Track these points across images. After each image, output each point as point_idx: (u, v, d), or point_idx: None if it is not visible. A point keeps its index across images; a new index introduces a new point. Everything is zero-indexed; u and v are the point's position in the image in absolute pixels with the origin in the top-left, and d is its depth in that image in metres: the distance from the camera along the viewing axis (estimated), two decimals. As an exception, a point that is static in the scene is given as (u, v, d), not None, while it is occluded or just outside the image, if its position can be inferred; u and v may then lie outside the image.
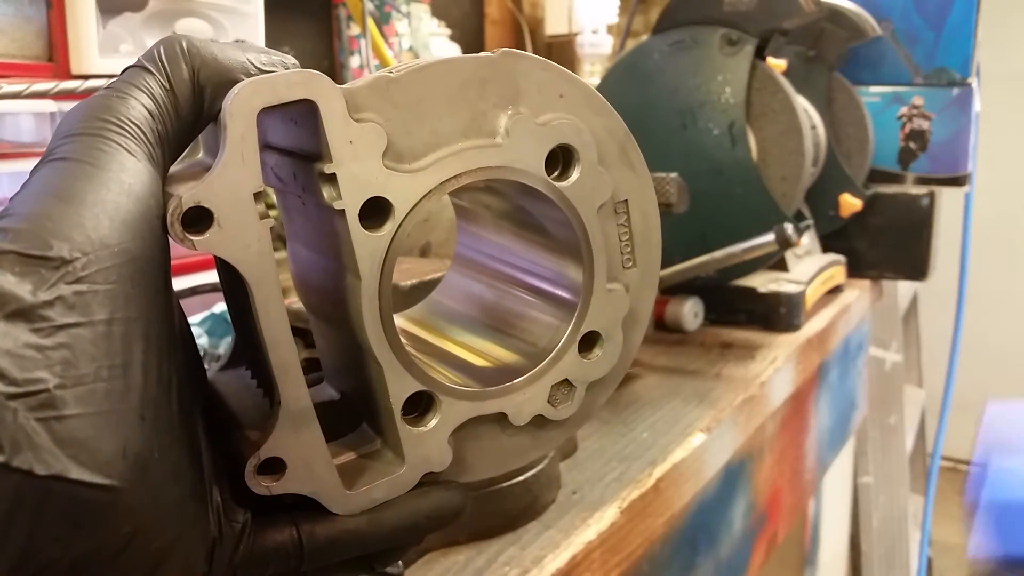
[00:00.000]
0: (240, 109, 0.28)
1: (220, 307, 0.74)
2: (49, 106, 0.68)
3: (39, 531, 0.24)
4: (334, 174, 0.30)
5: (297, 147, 0.33)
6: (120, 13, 0.74)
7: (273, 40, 1.07)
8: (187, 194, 0.28)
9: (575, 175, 0.35)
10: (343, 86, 0.31)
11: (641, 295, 0.39)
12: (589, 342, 0.38)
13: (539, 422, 0.37)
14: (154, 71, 0.31)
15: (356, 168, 0.31)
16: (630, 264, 0.38)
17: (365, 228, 0.31)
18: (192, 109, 0.31)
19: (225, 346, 0.70)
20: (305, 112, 0.30)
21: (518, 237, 0.40)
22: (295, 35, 1.34)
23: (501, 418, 0.36)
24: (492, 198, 0.40)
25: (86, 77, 0.68)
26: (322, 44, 1.38)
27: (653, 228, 0.38)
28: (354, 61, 1.34)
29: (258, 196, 0.29)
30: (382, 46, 1.13)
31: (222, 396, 0.37)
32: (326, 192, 0.31)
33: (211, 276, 0.77)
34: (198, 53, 0.31)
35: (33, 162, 0.68)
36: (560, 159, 0.35)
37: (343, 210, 0.31)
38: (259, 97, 0.29)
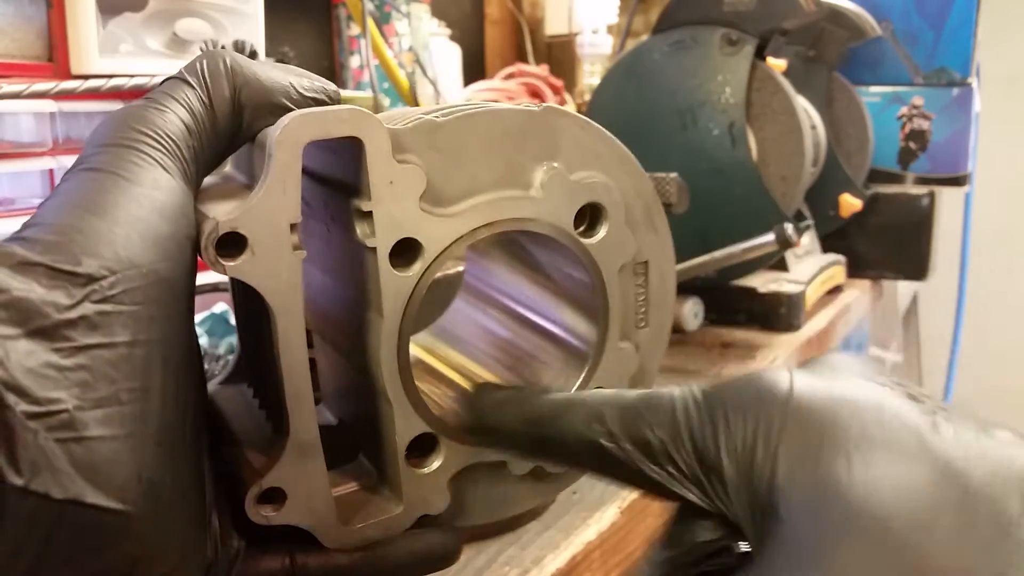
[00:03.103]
0: (288, 141, 0.28)
1: (220, 307, 0.74)
2: (49, 106, 0.68)
3: (49, 552, 0.24)
4: (371, 212, 0.30)
5: (332, 176, 0.33)
6: (120, 13, 0.74)
7: (273, 40, 1.07)
8: (224, 219, 0.28)
9: (602, 233, 0.35)
10: (388, 125, 0.31)
11: (650, 354, 0.39)
12: None
13: (538, 473, 0.37)
14: (195, 85, 0.30)
15: (393, 208, 0.31)
16: (643, 324, 0.38)
17: (394, 267, 0.31)
18: (230, 128, 0.31)
19: (225, 346, 0.70)
20: (346, 144, 0.30)
21: (529, 279, 0.40)
22: (295, 35, 1.33)
23: (501, 466, 0.36)
24: (501, 240, 0.40)
25: (86, 77, 0.68)
26: (322, 44, 1.38)
27: (669, 290, 0.39)
28: (354, 61, 1.34)
29: (294, 227, 0.29)
30: (382, 46, 1.13)
31: (223, 413, 0.37)
32: (360, 228, 0.31)
33: (211, 276, 0.77)
34: (241, 72, 0.31)
35: (33, 162, 0.67)
36: (588, 216, 0.35)
37: (374, 247, 0.31)
38: (307, 131, 0.29)
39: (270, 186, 0.28)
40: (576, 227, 0.35)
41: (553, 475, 0.38)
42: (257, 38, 0.88)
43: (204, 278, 0.78)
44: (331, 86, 0.33)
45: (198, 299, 0.74)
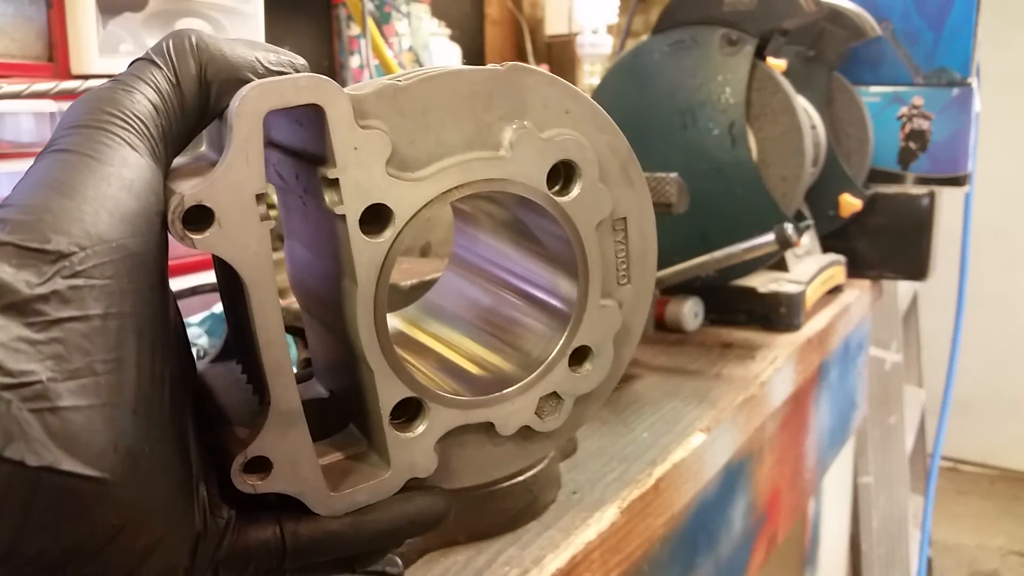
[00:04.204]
0: (247, 111, 0.28)
1: (220, 307, 0.74)
2: (49, 106, 0.68)
3: (28, 521, 0.24)
4: (337, 179, 0.30)
5: (301, 148, 0.33)
6: (120, 13, 0.74)
7: (273, 40, 1.07)
8: (189, 192, 0.28)
9: (576, 191, 0.35)
10: (350, 92, 0.31)
11: (634, 312, 0.39)
12: (580, 356, 0.38)
13: (525, 433, 0.37)
14: (162, 65, 0.31)
15: (359, 174, 0.31)
16: (625, 281, 0.38)
17: (365, 234, 0.31)
18: (198, 105, 0.31)
19: (225, 346, 0.70)
20: (311, 115, 0.30)
21: (515, 245, 0.40)
22: (295, 35, 1.34)
23: (488, 427, 0.36)
24: (492, 206, 0.40)
25: (86, 77, 0.68)
26: (322, 44, 1.38)
27: (650, 247, 0.39)
28: (354, 61, 1.34)
29: (260, 197, 0.29)
30: (382, 46, 1.13)
31: (212, 390, 0.37)
32: (328, 196, 0.31)
33: (211, 276, 0.77)
34: (207, 49, 0.31)
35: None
36: (562, 174, 0.35)
37: (343, 215, 0.31)
38: (266, 100, 0.29)
39: (232, 157, 0.28)
40: (550, 186, 0.35)
41: (541, 435, 0.38)
42: (257, 38, 0.88)
43: (205, 278, 0.78)
44: (299, 59, 0.33)
45: (198, 299, 0.75)
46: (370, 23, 1.09)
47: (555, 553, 0.51)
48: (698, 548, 0.73)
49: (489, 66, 0.34)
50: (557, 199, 0.35)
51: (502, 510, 0.54)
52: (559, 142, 0.34)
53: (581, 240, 0.36)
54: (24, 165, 0.66)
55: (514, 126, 0.34)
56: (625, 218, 0.37)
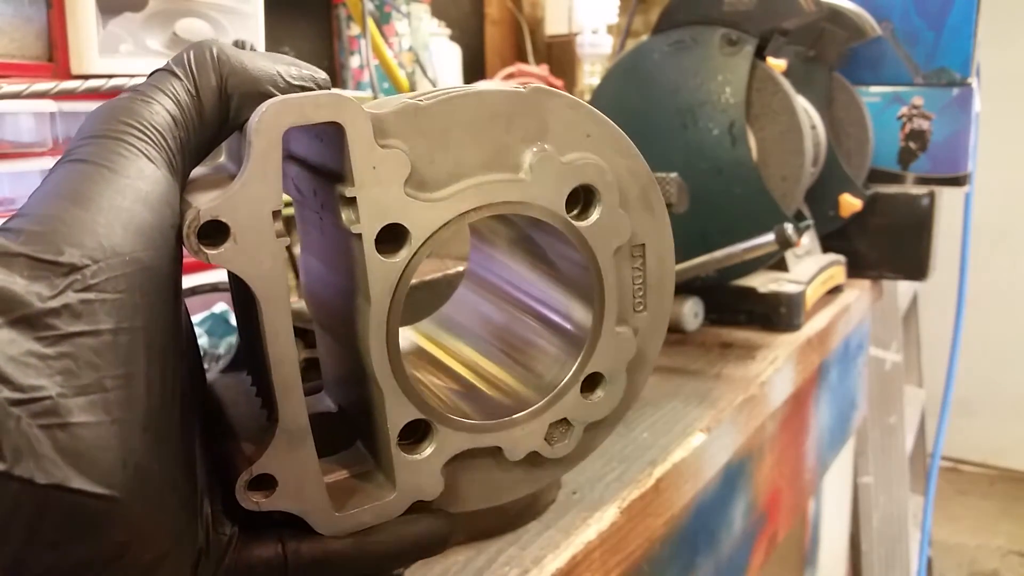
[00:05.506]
0: (266, 127, 0.28)
1: (220, 307, 0.74)
2: (49, 106, 0.68)
3: (36, 538, 0.24)
4: (354, 198, 0.30)
5: (320, 163, 0.33)
6: (120, 13, 0.74)
7: (273, 40, 1.07)
8: (205, 207, 0.28)
9: (595, 215, 0.35)
10: (370, 110, 0.30)
11: (649, 339, 0.38)
12: (592, 383, 0.37)
13: (534, 459, 0.37)
14: (182, 76, 0.31)
15: (377, 193, 0.31)
16: (641, 308, 0.38)
17: (380, 253, 0.31)
18: (217, 117, 0.31)
19: (225, 346, 0.70)
20: (331, 131, 0.30)
21: (531, 266, 0.40)
22: (295, 35, 1.33)
23: (496, 452, 0.36)
24: (503, 226, 0.40)
25: (86, 77, 0.68)
26: (322, 44, 1.38)
27: (668, 273, 0.38)
28: (354, 61, 1.34)
29: (276, 214, 0.29)
30: (382, 46, 1.13)
31: (221, 401, 0.37)
32: (345, 215, 0.31)
33: (211, 276, 0.77)
34: (228, 61, 0.31)
35: (33, 162, 0.67)
36: (581, 198, 0.35)
37: (360, 234, 0.31)
38: (286, 117, 0.29)
39: (250, 173, 0.28)
40: (569, 210, 0.34)
41: (550, 461, 0.38)
42: (257, 38, 0.88)
43: (204, 278, 0.78)
44: (320, 74, 0.33)
45: (198, 299, 0.75)
46: (370, 23, 1.09)
47: (555, 553, 0.51)
48: (698, 548, 0.73)
49: (511, 87, 0.34)
50: (576, 223, 0.34)
51: (502, 510, 0.54)
52: (579, 166, 0.34)
53: (598, 266, 0.35)
54: (24, 165, 0.67)
55: (534, 149, 0.33)
56: (644, 244, 0.37)
